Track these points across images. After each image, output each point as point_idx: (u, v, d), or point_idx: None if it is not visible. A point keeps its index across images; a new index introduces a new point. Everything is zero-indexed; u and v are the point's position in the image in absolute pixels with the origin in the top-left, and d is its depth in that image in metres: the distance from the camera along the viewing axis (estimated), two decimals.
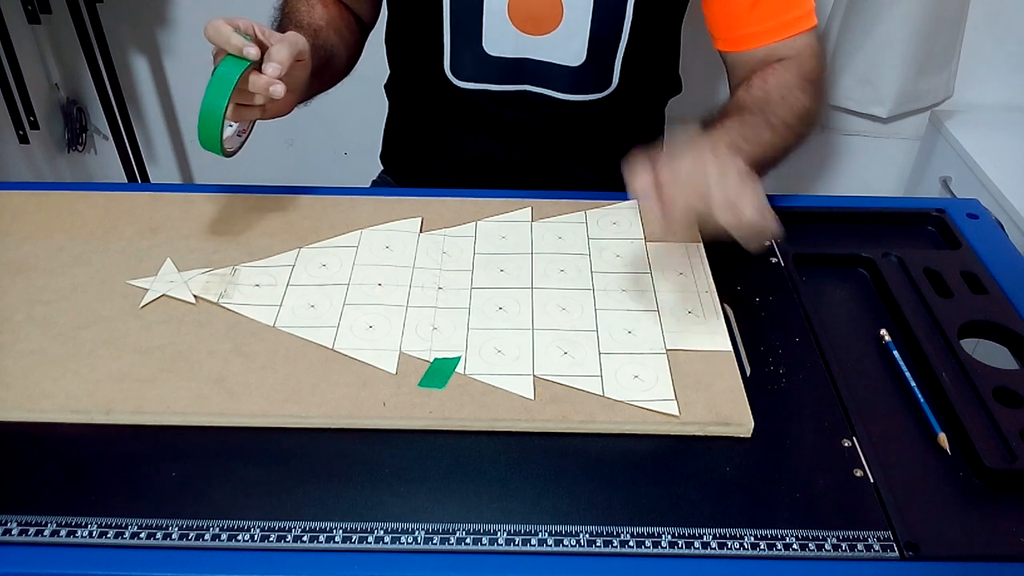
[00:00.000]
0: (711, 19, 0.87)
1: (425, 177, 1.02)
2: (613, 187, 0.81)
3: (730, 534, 0.52)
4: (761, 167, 0.74)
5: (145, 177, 1.65)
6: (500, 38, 0.85)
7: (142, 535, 0.51)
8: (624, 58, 0.87)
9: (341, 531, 0.52)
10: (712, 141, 0.69)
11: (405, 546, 0.51)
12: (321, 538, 0.51)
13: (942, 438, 0.58)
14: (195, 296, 0.69)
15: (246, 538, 0.51)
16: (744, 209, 0.58)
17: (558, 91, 0.89)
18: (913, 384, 0.63)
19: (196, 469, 0.56)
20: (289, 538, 0.51)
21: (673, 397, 0.60)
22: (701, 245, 0.75)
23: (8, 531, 0.51)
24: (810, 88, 0.81)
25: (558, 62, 0.86)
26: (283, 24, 0.84)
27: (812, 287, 0.73)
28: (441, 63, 0.88)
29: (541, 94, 0.90)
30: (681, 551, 0.51)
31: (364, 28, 0.95)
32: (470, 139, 0.96)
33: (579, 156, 0.96)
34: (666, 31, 0.93)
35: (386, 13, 0.95)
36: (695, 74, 1.00)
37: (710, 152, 0.61)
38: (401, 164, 1.06)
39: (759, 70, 0.83)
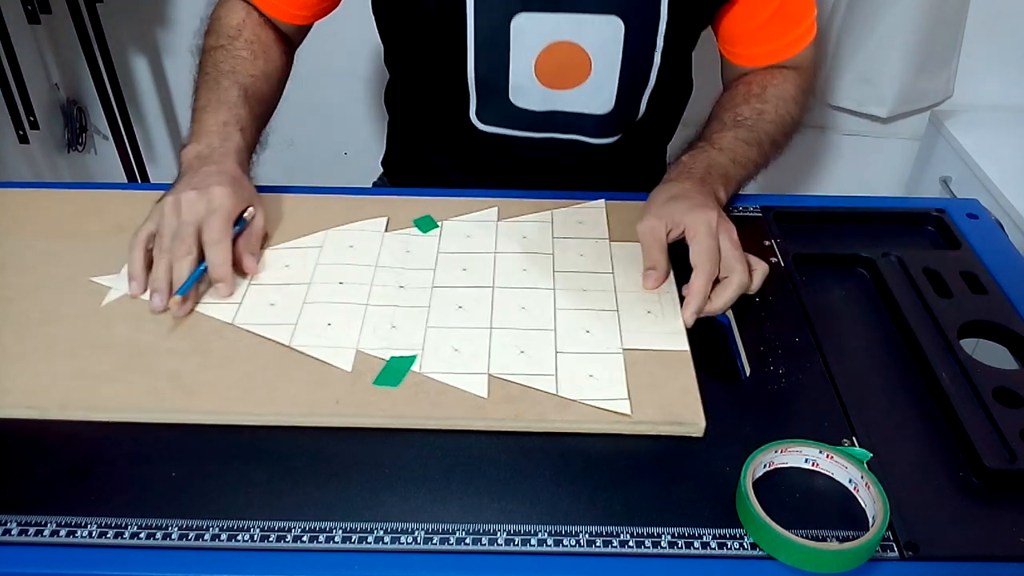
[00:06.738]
0: (723, 36, 0.88)
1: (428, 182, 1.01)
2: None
3: (730, 534, 0.52)
4: (740, 186, 0.79)
5: (145, 177, 1.65)
6: (527, 94, 0.85)
7: (142, 535, 0.51)
8: (650, 97, 0.88)
9: (341, 531, 0.52)
10: (707, 205, 0.70)
11: (405, 546, 0.51)
12: (321, 538, 0.51)
13: None
14: None
15: (246, 538, 0.51)
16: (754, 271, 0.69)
17: (586, 136, 0.90)
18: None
19: (196, 469, 0.56)
20: (289, 538, 0.51)
21: (626, 396, 0.60)
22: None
23: (8, 531, 0.51)
24: (803, 99, 0.87)
25: (587, 112, 0.87)
26: (218, 93, 0.79)
27: (812, 287, 0.73)
28: (467, 112, 0.88)
29: (568, 139, 0.90)
30: (681, 551, 0.51)
31: (292, 48, 0.91)
32: (482, 167, 0.95)
33: (589, 181, 0.96)
34: (686, 63, 0.94)
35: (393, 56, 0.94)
36: (703, 73, 1.00)
37: (714, 231, 0.67)
38: (404, 176, 1.06)
39: (760, 73, 0.87)
